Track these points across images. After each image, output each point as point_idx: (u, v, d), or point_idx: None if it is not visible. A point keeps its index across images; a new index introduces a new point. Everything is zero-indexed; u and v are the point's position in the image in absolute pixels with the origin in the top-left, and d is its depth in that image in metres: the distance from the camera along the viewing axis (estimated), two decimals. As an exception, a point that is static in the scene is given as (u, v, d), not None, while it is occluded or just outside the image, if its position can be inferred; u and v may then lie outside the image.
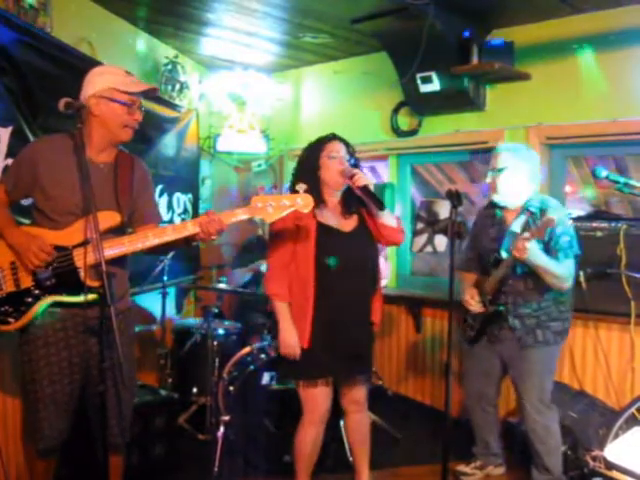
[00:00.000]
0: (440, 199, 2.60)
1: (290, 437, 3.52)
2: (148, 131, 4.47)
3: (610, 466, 2.37)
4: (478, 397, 3.52)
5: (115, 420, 2.51)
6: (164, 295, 4.33)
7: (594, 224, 3.71)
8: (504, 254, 3.19)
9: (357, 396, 3.10)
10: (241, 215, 2.52)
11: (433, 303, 4.59)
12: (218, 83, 5.35)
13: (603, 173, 3.05)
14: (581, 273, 3.64)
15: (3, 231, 2.46)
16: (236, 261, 5.11)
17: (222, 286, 4.49)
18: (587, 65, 3.89)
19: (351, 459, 3.33)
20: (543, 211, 3.15)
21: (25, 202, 2.79)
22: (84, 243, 2.37)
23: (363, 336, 3.05)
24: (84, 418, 2.58)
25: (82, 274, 2.39)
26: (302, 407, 3.02)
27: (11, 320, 2.43)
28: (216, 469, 3.54)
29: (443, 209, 2.58)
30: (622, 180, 3.05)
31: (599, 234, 3.67)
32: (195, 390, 4.23)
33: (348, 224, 3.03)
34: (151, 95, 2.62)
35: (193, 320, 4.64)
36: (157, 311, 4.56)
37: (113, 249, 2.41)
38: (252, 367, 3.70)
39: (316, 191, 2.91)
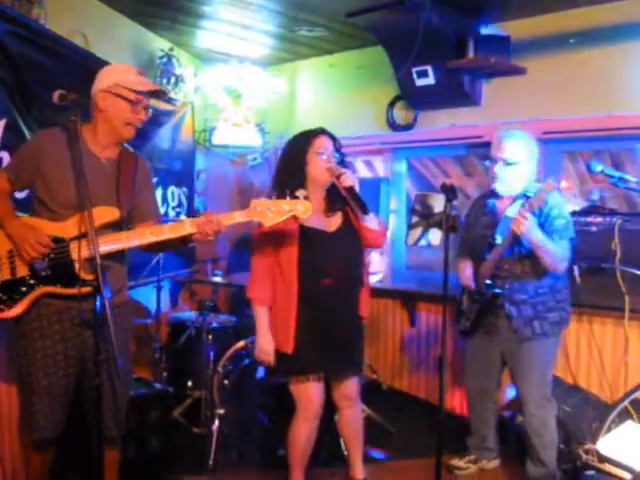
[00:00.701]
0: (435, 193, 2.60)
1: (284, 431, 3.52)
2: (144, 124, 4.45)
3: (603, 459, 2.39)
4: (479, 392, 3.52)
5: (110, 413, 2.51)
6: (159, 289, 4.32)
7: (589, 219, 3.71)
8: (499, 239, 3.19)
9: (348, 391, 3.10)
10: (239, 218, 2.53)
11: (428, 297, 4.59)
12: (213, 76, 5.33)
13: (598, 167, 3.07)
14: (575, 267, 3.65)
15: (3, 221, 2.47)
16: (231, 256, 5.11)
17: (217, 280, 4.48)
18: (583, 59, 3.89)
19: (345, 453, 3.34)
20: None
21: (19, 195, 2.78)
22: (81, 236, 2.38)
23: (351, 333, 3.04)
24: (80, 411, 2.58)
25: (77, 266, 2.40)
26: (295, 404, 3.02)
27: (4, 308, 2.44)
28: (211, 462, 3.55)
29: (438, 203, 2.57)
30: (617, 175, 3.07)
31: (594, 229, 3.68)
32: (190, 383, 4.23)
33: (332, 222, 3.00)
34: (161, 97, 2.63)
35: (188, 314, 4.64)
36: (152, 305, 4.56)
37: (109, 244, 2.41)
38: (247, 361, 3.70)
39: (300, 187, 2.88)
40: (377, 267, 4.92)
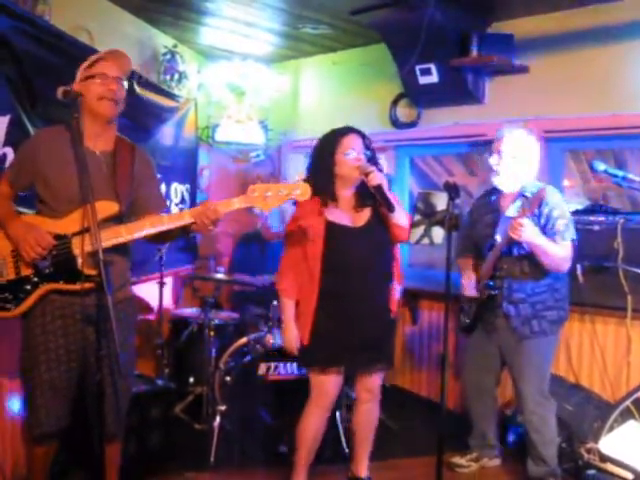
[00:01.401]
0: (437, 191, 2.59)
1: (286, 428, 3.56)
2: (146, 120, 4.46)
3: (604, 459, 2.39)
4: (477, 388, 3.54)
5: (112, 409, 2.51)
6: (161, 285, 4.33)
7: (591, 217, 3.71)
8: (499, 238, 3.20)
9: (370, 385, 3.13)
10: (237, 204, 2.51)
11: (430, 295, 4.59)
12: (217, 73, 5.32)
13: (601, 167, 3.07)
14: (578, 266, 3.65)
15: (4, 222, 2.48)
16: (235, 253, 5.11)
17: (220, 276, 4.49)
18: (586, 58, 3.88)
19: (347, 450, 3.34)
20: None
21: (23, 194, 2.79)
22: (82, 232, 2.38)
23: (378, 326, 3.06)
24: (82, 407, 2.59)
25: (79, 262, 2.40)
26: (310, 392, 3.07)
27: (10, 307, 2.45)
28: (212, 459, 3.56)
29: (440, 201, 2.57)
30: (620, 174, 3.07)
31: (596, 228, 3.68)
32: (192, 380, 4.23)
33: (360, 218, 3.03)
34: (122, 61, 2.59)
35: (190, 310, 4.65)
36: (155, 301, 4.57)
37: (110, 238, 2.41)
38: (249, 358, 3.71)
39: (330, 185, 2.97)
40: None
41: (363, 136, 3.06)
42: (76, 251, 2.41)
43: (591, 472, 2.68)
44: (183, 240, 4.54)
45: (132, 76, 4.22)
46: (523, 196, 3.20)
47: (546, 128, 4.10)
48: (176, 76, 4.88)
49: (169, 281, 4.94)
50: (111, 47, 3.77)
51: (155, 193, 2.77)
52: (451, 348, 4.39)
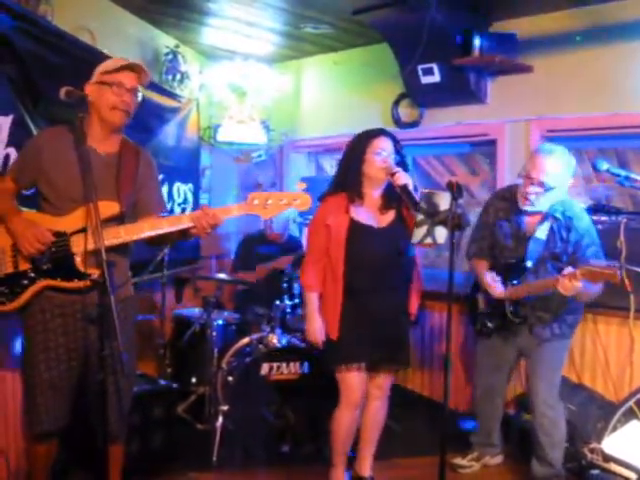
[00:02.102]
0: (440, 190, 2.59)
1: (289, 427, 3.57)
2: (149, 121, 4.46)
3: (608, 458, 2.38)
4: (488, 389, 3.53)
5: (114, 409, 2.51)
6: (163, 285, 4.32)
7: (594, 217, 3.69)
8: (529, 263, 3.16)
9: (382, 382, 3.21)
10: (237, 211, 2.54)
11: (433, 295, 4.58)
12: (219, 73, 5.31)
13: (604, 166, 3.06)
14: (580, 266, 3.65)
15: (5, 217, 2.49)
16: (237, 252, 5.10)
17: (222, 276, 4.48)
18: (590, 58, 3.87)
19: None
20: (567, 218, 3.12)
21: (26, 192, 2.79)
22: (82, 230, 2.40)
23: (397, 326, 3.14)
24: (85, 406, 2.59)
25: (78, 260, 2.43)
26: (339, 391, 3.13)
27: (5, 301, 2.47)
28: (214, 459, 3.57)
29: (443, 201, 2.56)
30: (623, 173, 3.06)
31: (599, 227, 3.66)
32: (194, 380, 4.23)
33: (384, 219, 3.11)
34: (137, 73, 2.59)
35: (192, 310, 4.64)
36: (157, 301, 4.56)
37: (109, 239, 2.41)
38: (251, 358, 3.70)
39: (357, 183, 3.07)
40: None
41: (394, 139, 3.11)
42: (74, 249, 2.44)
43: (594, 472, 2.67)
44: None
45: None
46: (552, 217, 3.13)
47: (548, 127, 4.10)
48: (178, 76, 4.88)
49: (171, 281, 4.95)
50: (113, 47, 3.84)
51: (156, 196, 2.79)
52: (456, 349, 4.40)
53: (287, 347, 3.75)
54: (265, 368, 3.64)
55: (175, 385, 3.84)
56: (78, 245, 2.42)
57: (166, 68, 4.78)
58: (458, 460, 3.61)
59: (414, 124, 4.77)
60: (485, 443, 3.62)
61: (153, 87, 4.49)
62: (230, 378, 3.69)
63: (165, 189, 4.75)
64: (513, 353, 3.40)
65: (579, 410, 3.53)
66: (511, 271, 3.23)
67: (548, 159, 3.05)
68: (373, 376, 3.18)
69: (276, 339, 3.77)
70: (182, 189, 5.01)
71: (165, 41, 4.80)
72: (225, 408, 3.66)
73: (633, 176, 3.04)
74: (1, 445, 2.98)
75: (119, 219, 2.51)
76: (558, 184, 3.07)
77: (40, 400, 2.50)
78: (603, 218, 3.68)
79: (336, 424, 3.16)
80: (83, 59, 3.39)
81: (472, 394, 3.81)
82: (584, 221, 3.14)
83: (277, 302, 3.93)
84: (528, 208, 3.17)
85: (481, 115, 4.40)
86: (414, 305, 3.21)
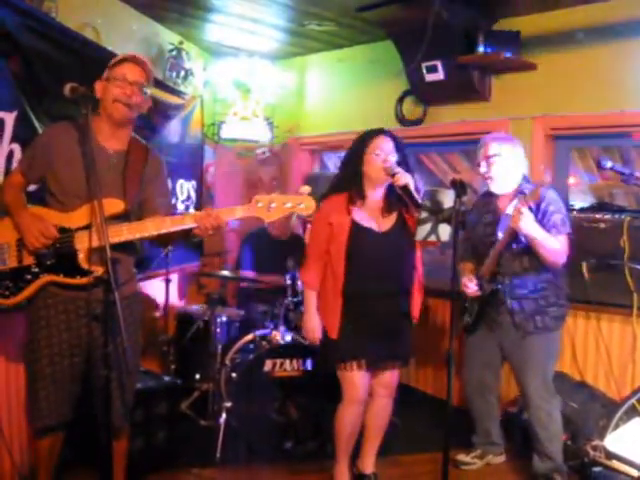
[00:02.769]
0: (444, 188, 2.60)
1: (292, 424, 3.57)
2: (153, 117, 4.46)
3: (610, 456, 2.39)
4: (479, 386, 3.54)
5: (118, 405, 2.53)
6: (167, 282, 4.33)
7: (597, 215, 3.70)
8: (500, 235, 3.21)
9: (387, 380, 3.20)
10: (240, 213, 2.54)
11: (437, 292, 4.58)
12: (223, 70, 5.33)
13: (608, 164, 3.05)
14: (584, 264, 3.65)
15: (13, 211, 2.51)
16: (241, 250, 5.10)
17: (225, 273, 4.49)
18: (594, 56, 3.86)
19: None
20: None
21: (30, 188, 2.80)
22: (86, 227, 2.41)
23: (396, 325, 3.13)
24: (89, 402, 2.60)
25: (80, 256, 2.44)
26: (342, 389, 3.13)
27: (8, 295, 2.48)
28: (218, 455, 3.58)
29: (447, 198, 2.57)
30: (627, 171, 3.06)
31: (602, 225, 3.67)
32: (198, 376, 4.23)
33: (385, 222, 3.10)
34: (140, 65, 2.59)
35: (196, 307, 4.66)
36: (160, 298, 4.57)
37: (111, 236, 2.40)
38: (254, 354, 3.71)
39: (357, 184, 3.06)
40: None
41: (395, 139, 3.10)
42: (78, 245, 2.45)
43: (597, 469, 2.67)
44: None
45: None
46: (522, 194, 3.19)
47: (552, 125, 4.10)
48: (182, 73, 4.88)
49: (175, 278, 4.96)
50: (117, 44, 3.84)
51: (163, 196, 2.79)
52: (457, 345, 4.39)
53: (290, 344, 3.75)
54: (268, 365, 3.65)
55: (179, 381, 3.85)
56: (81, 242, 2.43)
57: (170, 65, 4.78)
58: (462, 457, 3.62)
59: (418, 121, 4.77)
60: (486, 442, 3.63)
61: (156, 84, 4.49)
62: (234, 375, 3.69)
63: (169, 187, 4.75)
64: (498, 350, 3.41)
65: (581, 408, 3.53)
66: (486, 248, 3.28)
67: (484, 141, 3.37)
68: (378, 374, 3.17)
69: (279, 336, 3.78)
70: (185, 186, 5.01)
71: (169, 38, 4.80)
72: (228, 404, 3.66)
73: (637, 174, 3.03)
74: (5, 439, 2.99)
75: (124, 217, 2.51)
76: (499, 152, 3.25)
77: (43, 394, 2.52)
78: (607, 217, 3.67)
79: (339, 421, 3.17)
80: (87, 56, 3.40)
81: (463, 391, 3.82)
82: (551, 193, 3.19)
83: (280, 299, 3.93)
84: (492, 186, 3.31)
85: (485, 113, 4.40)
86: (416, 310, 3.20)
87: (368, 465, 3.30)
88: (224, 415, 3.66)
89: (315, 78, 5.51)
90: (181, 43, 4.85)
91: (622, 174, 3.07)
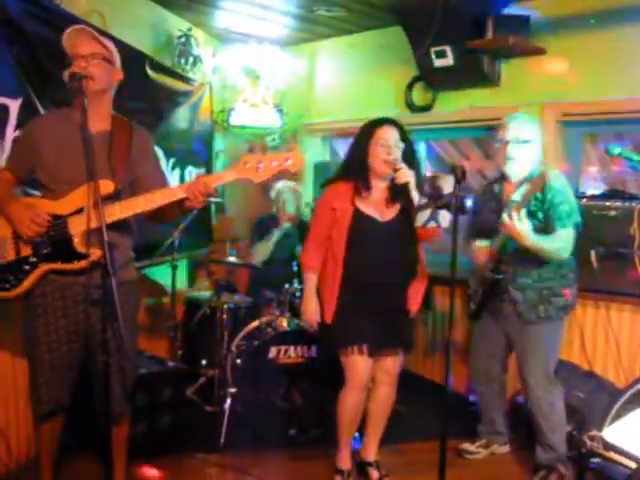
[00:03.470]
0: (444, 173, 2.57)
1: (296, 410, 3.58)
2: (161, 104, 4.47)
3: (608, 447, 2.35)
4: (485, 375, 3.53)
5: (117, 390, 2.55)
6: (174, 267, 4.35)
7: (608, 203, 3.65)
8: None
9: (389, 367, 3.19)
10: (229, 177, 2.52)
11: (442, 280, 4.55)
12: (232, 56, 5.30)
13: (616, 150, 3.01)
14: (593, 252, 3.61)
15: (3, 204, 2.51)
16: (252, 235, 5.10)
17: (233, 259, 4.50)
18: (604, 40, 3.78)
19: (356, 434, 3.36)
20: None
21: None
22: (79, 211, 2.41)
23: (397, 312, 3.13)
24: (88, 388, 2.62)
25: (76, 241, 2.45)
26: (345, 374, 3.13)
27: (9, 287, 2.50)
28: (222, 441, 3.60)
29: (448, 184, 2.54)
30: (636, 158, 3.01)
31: (613, 213, 3.61)
32: (204, 362, 4.27)
33: (389, 212, 3.08)
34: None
35: (204, 293, 4.67)
36: (168, 283, 4.59)
37: (106, 217, 2.41)
38: (260, 341, 3.72)
39: (363, 175, 3.04)
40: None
41: (400, 128, 3.07)
42: (72, 230, 2.45)
43: (594, 460, 2.63)
44: (198, 222, 4.55)
45: (145, 59, 4.23)
46: (528, 181, 3.15)
47: (563, 111, 4.03)
48: (191, 60, 4.86)
49: (184, 264, 4.98)
50: (124, 31, 3.82)
51: (154, 170, 2.75)
52: (464, 333, 4.37)
53: (296, 330, 3.76)
54: (273, 351, 3.66)
55: (184, 367, 3.88)
56: (75, 226, 2.44)
57: (179, 51, 4.76)
58: (467, 446, 3.62)
59: (427, 107, 4.71)
60: (491, 431, 3.62)
61: (164, 70, 4.50)
62: (239, 361, 3.71)
63: (177, 173, 4.76)
64: (504, 339, 3.39)
65: (588, 398, 3.50)
66: (490, 234, 3.23)
67: (514, 120, 3.26)
68: (380, 360, 3.16)
69: (285, 322, 3.79)
70: (194, 173, 5.00)
71: (178, 24, 4.78)
72: (234, 391, 3.68)
73: (647, 161, 2.98)
74: (1, 427, 3.04)
75: (115, 197, 2.49)
76: (529, 138, 3.18)
77: (42, 380, 2.54)
78: (617, 204, 3.62)
79: (341, 406, 3.17)
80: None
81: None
82: (558, 181, 3.13)
83: (287, 285, 3.93)
84: (510, 169, 3.24)
85: (494, 98, 4.33)
86: (414, 304, 3.18)
87: (370, 453, 3.31)
88: (229, 401, 3.68)
89: (325, 64, 5.48)
90: (190, 30, 4.82)
91: (630, 160, 3.02)
